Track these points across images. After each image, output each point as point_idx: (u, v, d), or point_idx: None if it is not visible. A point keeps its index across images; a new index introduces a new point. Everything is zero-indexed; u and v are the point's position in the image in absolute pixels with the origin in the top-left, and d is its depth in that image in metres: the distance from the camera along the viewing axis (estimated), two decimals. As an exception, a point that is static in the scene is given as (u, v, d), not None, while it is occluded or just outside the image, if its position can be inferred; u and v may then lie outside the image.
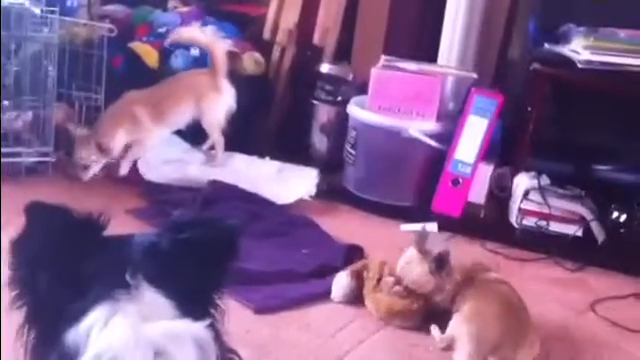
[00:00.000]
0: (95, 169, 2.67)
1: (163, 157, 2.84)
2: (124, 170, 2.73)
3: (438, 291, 1.98)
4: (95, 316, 0.91)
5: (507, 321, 1.87)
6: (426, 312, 2.02)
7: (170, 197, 2.54)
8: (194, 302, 0.98)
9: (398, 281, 2.02)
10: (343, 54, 3.25)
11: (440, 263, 1.97)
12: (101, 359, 0.88)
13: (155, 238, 1.02)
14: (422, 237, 2.04)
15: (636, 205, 2.61)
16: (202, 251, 1.00)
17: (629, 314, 2.25)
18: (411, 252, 2.02)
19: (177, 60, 2.98)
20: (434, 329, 1.96)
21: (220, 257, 1.03)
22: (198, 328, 0.93)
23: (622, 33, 2.63)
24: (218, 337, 0.99)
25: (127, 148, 2.73)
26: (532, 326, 1.92)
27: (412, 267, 2.00)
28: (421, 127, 2.75)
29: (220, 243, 1.02)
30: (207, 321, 0.96)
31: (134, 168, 2.74)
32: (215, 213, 2.40)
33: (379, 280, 2.06)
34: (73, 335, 0.91)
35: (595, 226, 2.58)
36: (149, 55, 2.97)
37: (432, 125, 2.78)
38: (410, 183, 2.82)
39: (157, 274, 0.96)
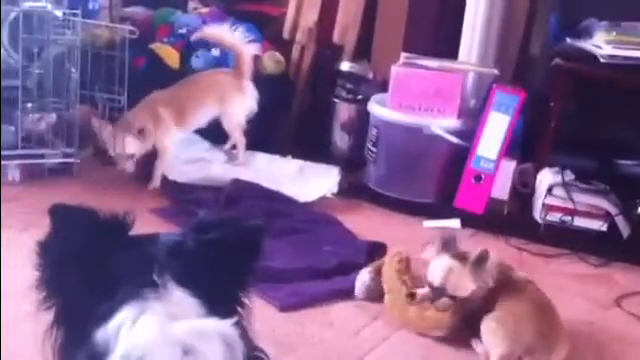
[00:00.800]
0: (137, 157, 2.67)
1: (185, 157, 2.86)
2: (156, 182, 2.70)
3: (478, 293, 1.89)
4: (123, 315, 0.91)
5: (541, 322, 1.84)
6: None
7: (193, 196, 2.56)
8: (220, 300, 0.98)
9: (437, 294, 1.91)
10: (363, 52, 3.25)
11: (481, 264, 1.89)
12: (130, 358, 0.89)
13: (181, 238, 1.03)
14: (449, 242, 1.94)
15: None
16: (227, 251, 1.01)
17: (656, 310, 2.23)
18: (446, 260, 1.90)
19: (198, 60, 2.99)
20: (476, 345, 1.91)
21: (244, 256, 1.04)
22: (225, 326, 0.94)
23: (644, 27, 2.61)
24: (245, 335, 1.00)
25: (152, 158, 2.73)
26: (562, 327, 1.89)
27: (456, 275, 1.88)
28: (442, 124, 2.74)
29: (244, 243, 1.03)
30: (234, 319, 0.96)
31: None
32: (238, 212, 2.41)
33: (411, 295, 1.94)
34: (102, 335, 0.92)
35: (620, 221, 2.56)
36: (170, 56, 2.99)
37: (453, 122, 2.77)
38: (432, 180, 2.81)
39: (183, 273, 0.97)
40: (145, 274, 0.95)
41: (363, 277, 2.12)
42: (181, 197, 2.57)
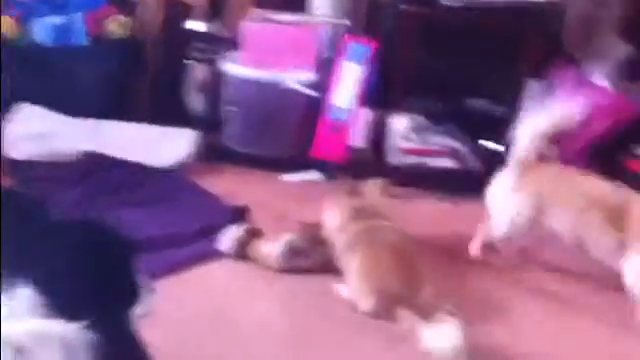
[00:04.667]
0: None
1: (26, 132, 2.65)
2: None
3: None
4: None
5: (404, 268, 1.89)
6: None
7: (39, 174, 2.43)
8: (80, 304, 0.96)
9: None
10: (215, 10, 3.17)
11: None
12: None
13: (38, 231, 0.98)
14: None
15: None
16: (90, 259, 1.00)
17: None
18: None
19: (37, 29, 2.82)
20: (339, 288, 1.96)
21: (112, 268, 1.02)
22: (68, 329, 0.90)
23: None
24: (108, 340, 0.96)
25: None
26: (423, 265, 1.94)
27: None
28: (298, 78, 2.74)
29: (110, 255, 1.02)
30: (83, 323, 0.92)
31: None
32: (90, 187, 2.32)
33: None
34: None
35: (470, 157, 2.67)
36: (7, 26, 2.81)
37: (309, 75, 2.78)
38: (291, 134, 2.82)
39: (37, 272, 0.93)
40: None
41: (232, 233, 2.11)
42: (26, 175, 2.44)
